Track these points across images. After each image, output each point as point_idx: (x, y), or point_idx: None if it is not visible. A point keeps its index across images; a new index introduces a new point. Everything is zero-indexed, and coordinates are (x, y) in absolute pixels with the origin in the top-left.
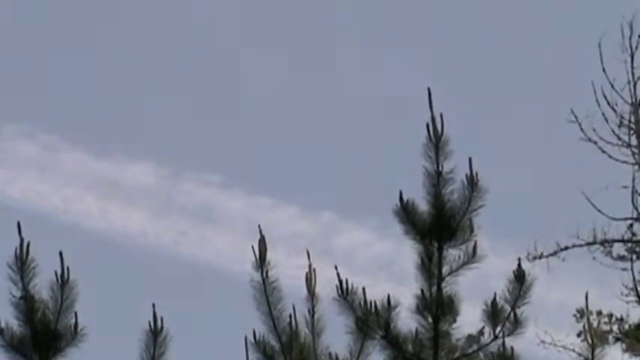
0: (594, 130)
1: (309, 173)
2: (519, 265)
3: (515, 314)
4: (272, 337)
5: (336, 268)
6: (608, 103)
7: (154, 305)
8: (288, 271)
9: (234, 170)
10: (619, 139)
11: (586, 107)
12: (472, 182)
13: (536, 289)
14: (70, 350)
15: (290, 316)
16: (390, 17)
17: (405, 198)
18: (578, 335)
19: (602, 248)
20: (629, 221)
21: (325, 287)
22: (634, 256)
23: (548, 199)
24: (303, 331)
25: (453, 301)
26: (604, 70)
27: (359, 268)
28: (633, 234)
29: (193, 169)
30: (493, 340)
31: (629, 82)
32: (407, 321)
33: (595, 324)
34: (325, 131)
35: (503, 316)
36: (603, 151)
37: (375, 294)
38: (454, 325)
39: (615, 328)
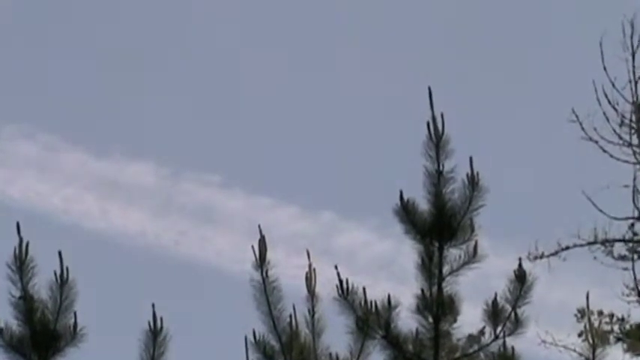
0: (595, 129)
1: (309, 173)
2: (520, 264)
3: (516, 314)
4: (272, 337)
5: (336, 267)
6: (609, 103)
7: (153, 305)
8: (288, 271)
9: (234, 170)
10: (620, 138)
11: (587, 106)
12: (473, 182)
13: (537, 289)
14: (70, 350)
15: (290, 316)
16: (390, 17)
17: (405, 197)
18: (579, 335)
19: (603, 248)
20: (631, 221)
21: (325, 287)
22: (635, 256)
23: (549, 198)
24: (304, 331)
25: (453, 300)
26: (605, 69)
27: (359, 267)
28: (634, 233)
29: (193, 169)
30: (494, 340)
31: (630, 81)
32: (407, 321)
33: (596, 324)
34: (325, 131)
35: (504, 316)
36: (604, 151)
37: (376, 294)
38: (455, 325)
39: (616, 328)
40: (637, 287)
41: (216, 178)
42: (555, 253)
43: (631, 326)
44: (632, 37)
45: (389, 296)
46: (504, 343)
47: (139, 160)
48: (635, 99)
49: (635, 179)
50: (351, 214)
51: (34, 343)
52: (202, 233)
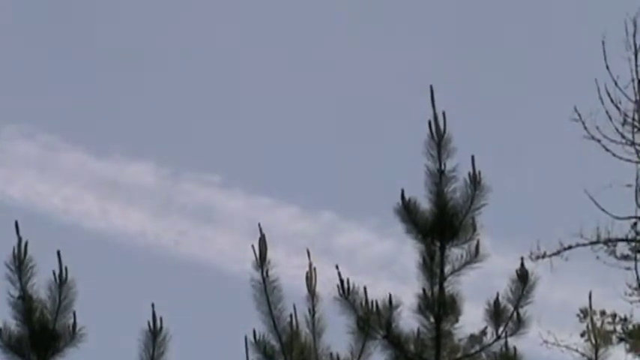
0: (598, 128)
1: (309, 173)
2: (522, 264)
3: (518, 314)
4: (272, 336)
5: (337, 267)
6: (612, 101)
7: (153, 305)
8: (288, 271)
9: (235, 170)
10: (623, 137)
11: (589, 105)
12: (475, 181)
13: (539, 289)
14: (69, 350)
15: (290, 315)
16: (391, 16)
17: (406, 196)
18: (582, 335)
19: (605, 247)
20: (633, 220)
21: (326, 287)
22: (638, 256)
23: (552, 197)
24: (304, 330)
25: (455, 300)
26: (607, 67)
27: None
28: (637, 233)
29: (193, 169)
30: (496, 340)
31: (632, 80)
32: (409, 321)
33: (598, 324)
34: (325, 131)
35: (505, 315)
36: (607, 150)
37: (377, 293)
38: (456, 325)
39: (619, 328)
40: None
41: (217, 178)
42: (557, 253)
43: (634, 326)
44: (634, 36)
45: (390, 296)
46: (506, 343)
47: (139, 159)
48: (637, 97)
49: (637, 178)
50: (352, 213)
51: (33, 343)
52: (202, 233)
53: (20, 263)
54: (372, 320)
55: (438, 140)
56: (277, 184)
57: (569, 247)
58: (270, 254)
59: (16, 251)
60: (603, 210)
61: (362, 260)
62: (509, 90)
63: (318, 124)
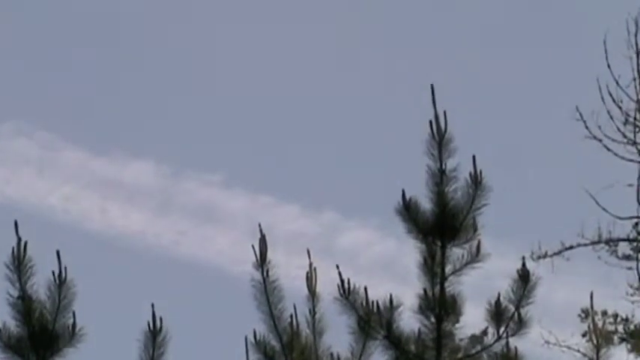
0: (599, 127)
1: (310, 172)
2: (523, 264)
3: (519, 314)
4: (273, 337)
5: (337, 267)
6: (614, 101)
7: (153, 305)
8: (289, 271)
9: (235, 169)
10: (624, 136)
11: (591, 105)
12: (476, 181)
13: (541, 289)
14: (68, 351)
15: (291, 316)
16: (391, 16)
17: (407, 196)
18: (583, 335)
19: (607, 247)
20: (635, 220)
21: (327, 287)
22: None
23: (553, 197)
24: (305, 331)
25: (456, 300)
26: (609, 66)
27: (361, 267)
28: (639, 233)
29: (194, 168)
30: (497, 341)
31: (634, 79)
32: (409, 321)
33: (600, 324)
34: (327, 130)
35: (507, 316)
36: (608, 149)
37: (377, 294)
38: (457, 325)
39: (620, 328)
40: None
41: (217, 178)
42: (559, 253)
43: (635, 326)
44: (636, 35)
45: (391, 296)
46: (507, 343)
47: (139, 159)
48: (639, 97)
49: (639, 178)
50: (353, 213)
51: (32, 343)
52: (203, 233)
53: (19, 263)
54: (372, 320)
55: (439, 140)
56: (278, 183)
57: (571, 247)
58: (270, 254)
59: (15, 251)
60: (605, 210)
61: (363, 260)
62: (511, 89)
63: (319, 124)
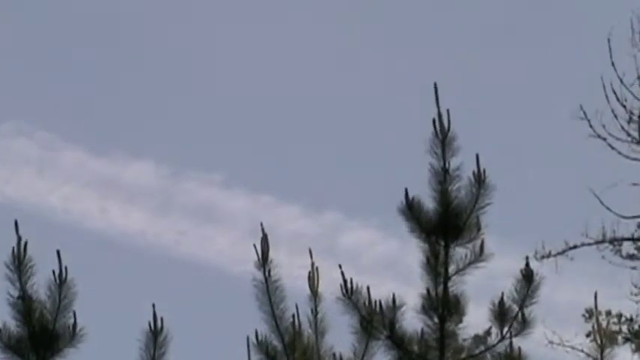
0: (604, 126)
1: (312, 171)
2: (527, 264)
3: (522, 314)
4: (275, 337)
5: (340, 266)
6: (618, 99)
7: (153, 305)
8: (291, 271)
9: (236, 169)
10: (628, 135)
11: (595, 103)
12: (479, 179)
13: (545, 289)
14: (69, 351)
15: (293, 316)
16: (394, 14)
17: (410, 195)
18: (587, 335)
19: (611, 247)
20: (639, 219)
21: (329, 287)
22: None
23: (557, 196)
24: (307, 331)
25: (459, 300)
26: (613, 65)
27: (363, 267)
28: None
29: (194, 168)
30: (500, 341)
31: (638, 78)
32: (412, 321)
33: (604, 324)
34: (328, 129)
35: (510, 316)
36: (612, 148)
37: (380, 293)
38: (460, 326)
39: (625, 328)
40: None
41: (218, 177)
42: (563, 252)
43: (639, 326)
44: None
45: (394, 296)
46: (511, 343)
47: (139, 158)
48: None
49: None
50: (355, 213)
51: (32, 343)
52: (203, 233)
53: (20, 263)
54: (375, 320)
55: (443, 138)
56: (279, 182)
57: (575, 247)
58: (272, 254)
59: (15, 251)
60: (609, 209)
61: (365, 260)
62: (514, 88)
63: (320, 123)
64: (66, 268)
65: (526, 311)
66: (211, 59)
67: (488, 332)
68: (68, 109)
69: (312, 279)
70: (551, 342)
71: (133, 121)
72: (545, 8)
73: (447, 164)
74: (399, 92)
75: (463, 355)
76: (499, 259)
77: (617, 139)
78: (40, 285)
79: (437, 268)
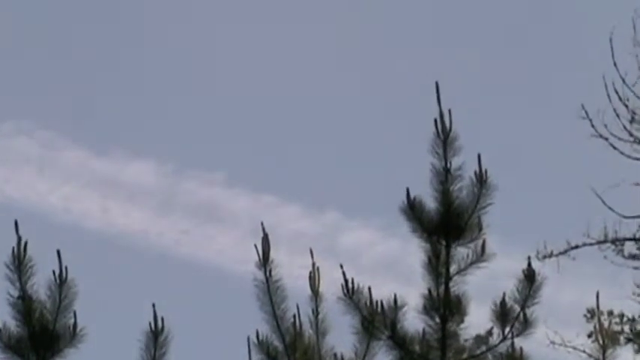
0: (605, 126)
1: (313, 171)
2: (529, 264)
3: (524, 314)
4: (275, 337)
5: (341, 266)
6: (620, 99)
7: (154, 305)
8: (292, 271)
9: (237, 168)
10: (631, 135)
11: (597, 103)
12: (481, 179)
13: (546, 289)
14: (69, 351)
15: (294, 316)
16: (395, 13)
17: (411, 195)
18: (589, 336)
19: (613, 247)
20: None
21: (331, 287)
22: None
23: (558, 196)
24: (308, 331)
25: (460, 300)
26: (615, 64)
27: (364, 267)
28: None
29: (195, 167)
30: (502, 341)
31: None
32: (414, 321)
33: (606, 324)
34: (330, 128)
35: (512, 316)
36: (614, 148)
37: (382, 293)
38: (462, 326)
39: (627, 328)
40: None
41: (219, 176)
42: (565, 252)
43: None
44: None
45: (395, 296)
46: (513, 343)
47: (140, 158)
48: None
49: None
50: (356, 213)
51: (32, 343)
52: (204, 232)
53: (20, 263)
54: (376, 320)
55: (444, 138)
56: (280, 182)
57: (577, 247)
58: (273, 254)
59: (15, 251)
60: (611, 209)
61: (365, 260)
62: (516, 87)
63: (321, 123)
64: (66, 268)
65: (528, 311)
66: (211, 59)
67: (489, 332)
68: (68, 108)
69: (313, 279)
70: (553, 342)
71: (133, 120)
72: (547, 8)
73: (448, 164)
74: (399, 92)
75: (465, 356)
76: (501, 259)
77: (619, 138)
78: (40, 285)
79: (438, 268)
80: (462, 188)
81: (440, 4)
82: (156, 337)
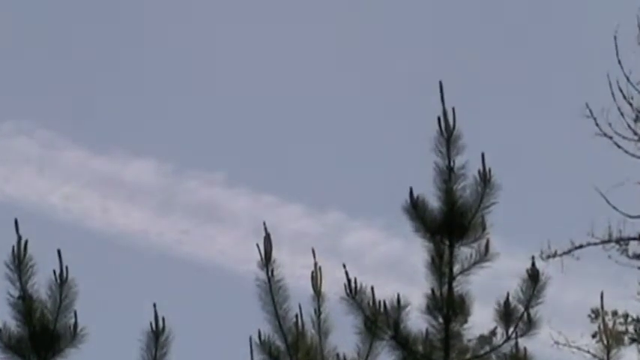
0: (610, 124)
1: (315, 171)
2: (533, 263)
3: (528, 314)
4: (278, 337)
5: (344, 266)
6: (624, 97)
7: (155, 305)
8: (294, 271)
9: (239, 168)
10: (635, 133)
11: (601, 102)
12: (485, 178)
13: (550, 289)
14: (70, 351)
15: (296, 316)
16: (397, 12)
17: (415, 194)
18: (593, 336)
19: (617, 246)
20: None
21: (333, 287)
22: None
23: (562, 195)
24: (310, 331)
25: (464, 300)
26: (620, 63)
27: (366, 267)
28: None
29: (196, 167)
30: (506, 341)
31: None
32: (417, 321)
33: (610, 324)
34: (331, 128)
35: (516, 316)
36: (619, 147)
37: (384, 293)
38: (465, 326)
39: (631, 328)
40: None
41: (220, 176)
42: (569, 252)
43: None
44: None
45: (398, 296)
46: (516, 344)
47: (141, 157)
48: None
49: None
50: (359, 212)
51: (33, 343)
52: (206, 232)
53: (20, 262)
54: (379, 320)
55: (448, 137)
56: (282, 182)
57: (581, 246)
58: (275, 253)
59: (15, 250)
60: (615, 208)
61: (368, 260)
62: (520, 86)
63: (322, 123)
64: (67, 268)
65: (532, 311)
66: (211, 59)
67: (493, 333)
68: (68, 107)
69: (316, 279)
70: (557, 342)
71: (133, 119)
72: (552, 5)
73: (451, 163)
74: (401, 91)
75: (468, 356)
76: (504, 258)
77: (624, 137)
78: (40, 285)
79: (441, 267)
80: (466, 187)
81: (440, 4)
82: (157, 337)
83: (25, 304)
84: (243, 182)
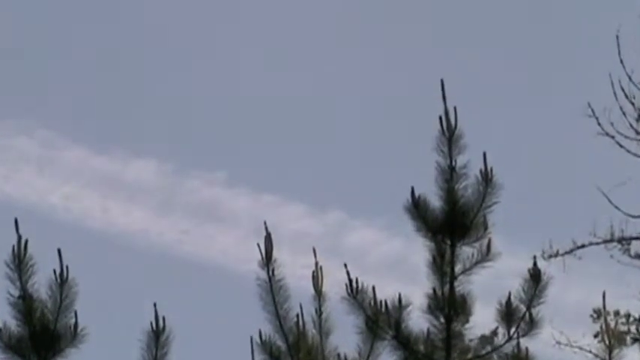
0: (612, 124)
1: (316, 170)
2: (535, 263)
3: (530, 314)
4: (278, 337)
5: (345, 266)
6: (626, 97)
7: (155, 305)
8: (295, 271)
9: (239, 167)
10: (637, 133)
11: (603, 101)
12: (486, 178)
13: (552, 289)
14: (70, 351)
15: (297, 315)
16: (398, 12)
17: (416, 194)
18: (595, 336)
19: (619, 246)
20: None
21: (334, 287)
22: None
23: (564, 195)
24: (311, 331)
25: (465, 300)
26: (622, 62)
27: (368, 267)
28: None
29: (197, 166)
30: (507, 341)
31: None
32: (418, 321)
33: (612, 324)
34: (332, 127)
35: (517, 316)
36: (621, 146)
37: (386, 293)
38: (467, 326)
39: (633, 328)
40: None
41: (221, 176)
42: (570, 252)
43: None
44: None
45: (399, 296)
46: (518, 344)
47: (141, 157)
48: None
49: None
50: (360, 212)
51: (33, 343)
52: (206, 231)
53: (20, 262)
54: (380, 320)
55: (449, 136)
56: (283, 181)
57: (583, 246)
58: (276, 253)
59: (16, 249)
60: (617, 208)
61: (369, 260)
62: (522, 85)
63: (323, 122)
64: (67, 267)
65: (533, 311)
66: (211, 59)
67: (495, 332)
68: (68, 107)
69: (317, 278)
70: (558, 342)
71: (133, 119)
72: (553, 5)
73: (453, 162)
74: (403, 90)
75: (470, 356)
76: (506, 258)
77: (626, 137)
78: (40, 284)
79: (443, 267)
80: (467, 187)
81: (441, 3)
82: (157, 336)
83: (25, 304)
84: (243, 182)
